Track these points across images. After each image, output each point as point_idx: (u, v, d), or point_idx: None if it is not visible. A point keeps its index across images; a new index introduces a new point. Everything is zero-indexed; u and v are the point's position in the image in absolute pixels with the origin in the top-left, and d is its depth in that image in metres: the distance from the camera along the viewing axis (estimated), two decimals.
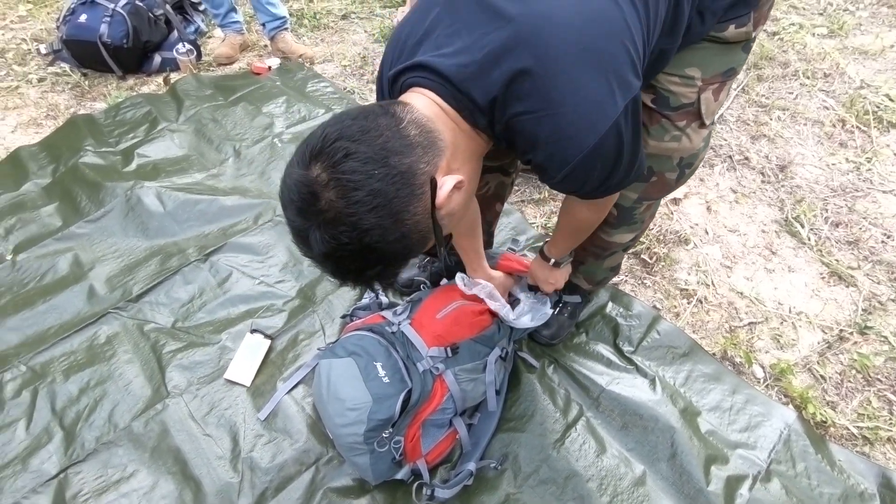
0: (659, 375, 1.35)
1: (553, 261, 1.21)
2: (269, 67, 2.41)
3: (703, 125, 0.94)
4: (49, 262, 1.55)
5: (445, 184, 0.68)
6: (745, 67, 2.20)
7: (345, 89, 2.28)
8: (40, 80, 2.38)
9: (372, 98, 2.26)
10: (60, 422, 1.25)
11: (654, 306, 1.52)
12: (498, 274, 1.37)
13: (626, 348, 1.40)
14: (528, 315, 1.30)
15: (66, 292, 1.48)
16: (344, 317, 1.44)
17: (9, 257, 1.57)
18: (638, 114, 0.75)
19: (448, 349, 1.17)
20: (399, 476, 1.14)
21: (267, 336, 1.40)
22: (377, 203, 0.62)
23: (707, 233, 1.74)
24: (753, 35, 0.89)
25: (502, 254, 1.44)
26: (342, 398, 1.10)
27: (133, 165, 1.84)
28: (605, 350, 1.39)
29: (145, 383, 1.31)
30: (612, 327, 1.45)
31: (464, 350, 1.18)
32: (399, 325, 1.22)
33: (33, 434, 1.23)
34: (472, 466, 1.16)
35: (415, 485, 1.12)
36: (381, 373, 1.11)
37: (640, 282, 1.60)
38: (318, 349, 1.36)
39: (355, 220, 0.62)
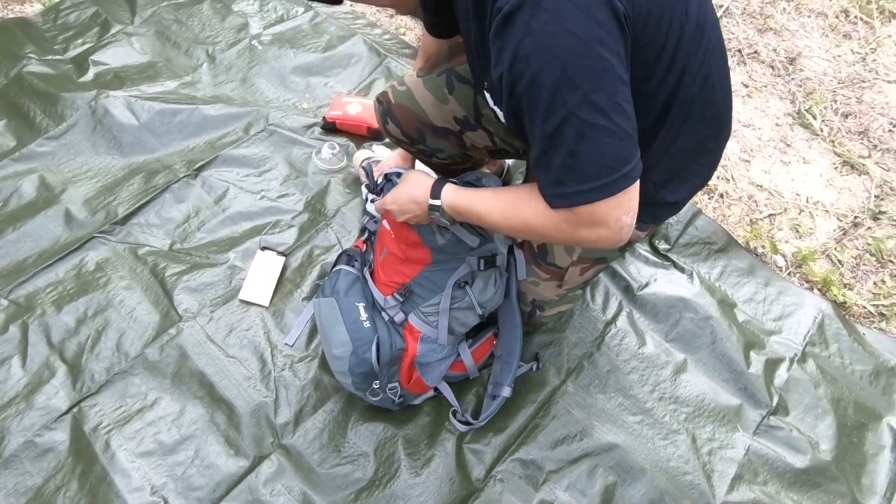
0: (695, 270, 1.33)
1: (442, 202, 0.86)
2: None
3: (560, 286, 1.05)
4: (11, 186, 1.35)
5: None
6: None
7: None
8: None
9: None
10: (61, 355, 1.12)
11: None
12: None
13: (663, 246, 1.37)
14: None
15: (39, 217, 1.30)
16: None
17: None
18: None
19: (396, 294, 1.02)
20: (416, 402, 1.10)
21: (280, 253, 1.28)
22: None
23: None
24: (635, 241, 1.03)
25: None
26: (329, 342, 1.03)
27: (90, 74, 1.59)
28: (640, 249, 1.36)
29: (151, 309, 1.19)
30: None
31: (417, 288, 1.01)
32: (365, 267, 1.09)
33: (31, 370, 1.11)
34: (507, 392, 1.07)
35: (450, 411, 1.09)
36: (364, 315, 1.00)
37: None
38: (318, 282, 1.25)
39: None
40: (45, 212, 1.31)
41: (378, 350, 0.98)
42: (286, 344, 1.16)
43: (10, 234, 1.28)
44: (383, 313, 1.01)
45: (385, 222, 1.04)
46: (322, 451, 1.06)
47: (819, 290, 1.37)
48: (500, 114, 0.78)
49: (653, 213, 0.94)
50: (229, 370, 1.13)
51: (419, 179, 0.92)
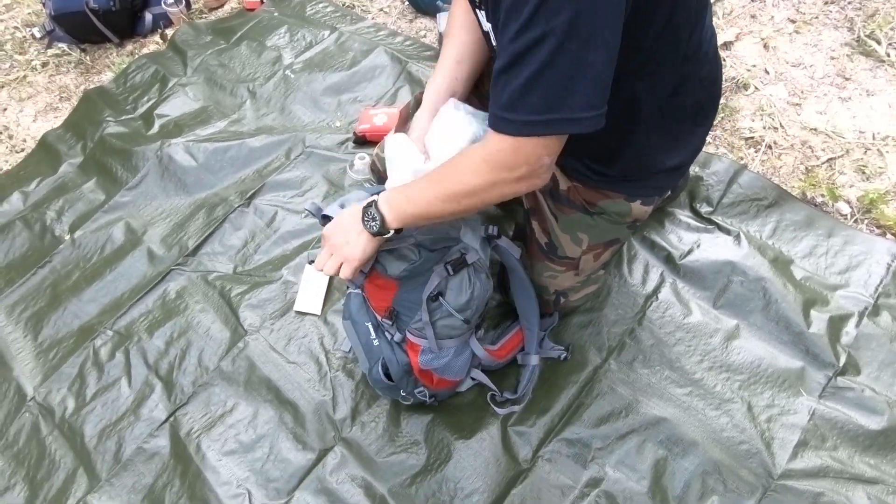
0: (743, 231, 1.26)
1: (378, 224, 0.82)
2: (262, 0, 2.27)
3: (577, 275, 1.06)
4: (105, 234, 1.58)
5: None
6: None
7: (345, 5, 2.13)
8: (43, 64, 2.34)
9: (374, 9, 2.10)
10: (157, 373, 1.31)
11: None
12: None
13: (705, 209, 1.31)
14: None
15: (128, 258, 1.52)
16: None
17: (67, 237, 1.61)
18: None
19: (386, 319, 1.02)
20: (462, 389, 1.14)
21: None
22: None
23: (768, 73, 1.57)
24: (643, 218, 0.99)
25: None
26: (358, 359, 1.12)
27: (156, 127, 1.80)
28: (681, 215, 1.31)
29: (223, 327, 1.35)
30: (688, 191, 1.35)
31: (401, 309, 0.99)
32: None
33: (136, 388, 1.30)
34: (534, 360, 1.11)
35: (488, 395, 1.13)
36: (373, 335, 1.06)
37: None
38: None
39: None
40: (133, 253, 1.53)
41: (387, 368, 1.04)
42: (339, 349, 1.26)
43: (108, 276, 1.50)
44: (386, 333, 1.06)
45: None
46: (378, 441, 1.15)
47: (893, 234, 1.24)
48: (491, 34, 0.75)
49: (656, 183, 0.91)
50: (291, 374, 1.25)
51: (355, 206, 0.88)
